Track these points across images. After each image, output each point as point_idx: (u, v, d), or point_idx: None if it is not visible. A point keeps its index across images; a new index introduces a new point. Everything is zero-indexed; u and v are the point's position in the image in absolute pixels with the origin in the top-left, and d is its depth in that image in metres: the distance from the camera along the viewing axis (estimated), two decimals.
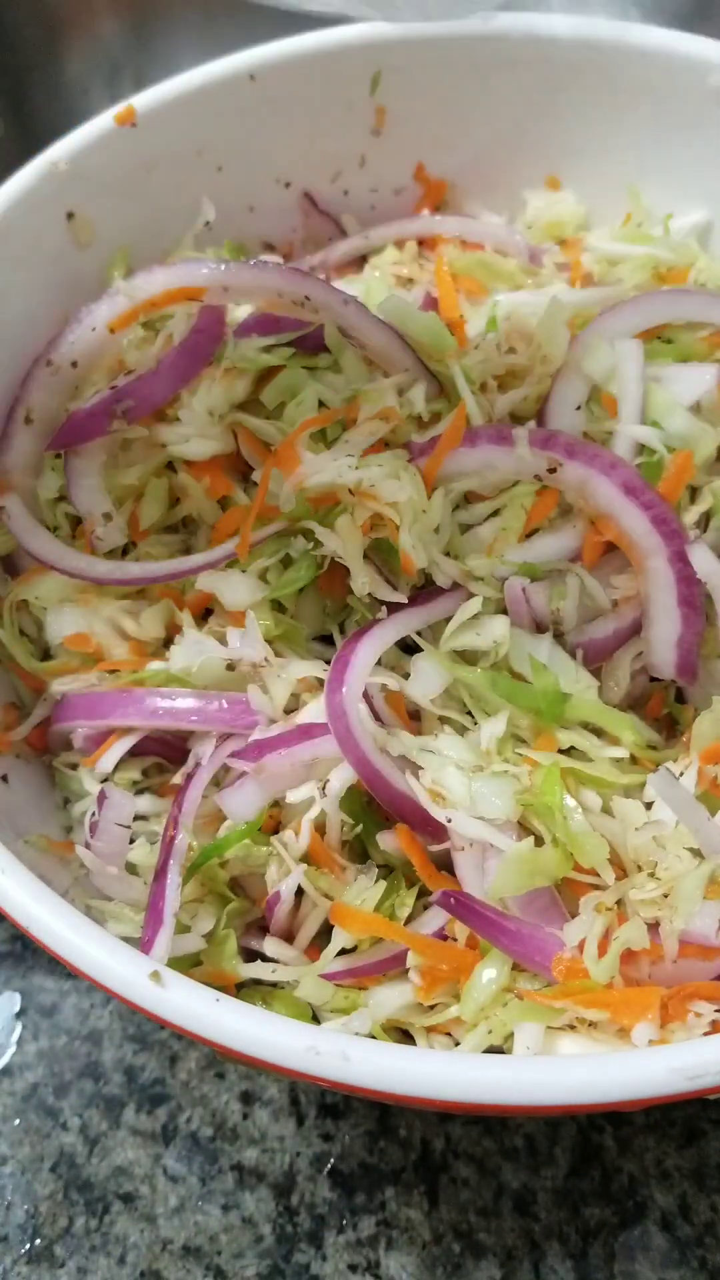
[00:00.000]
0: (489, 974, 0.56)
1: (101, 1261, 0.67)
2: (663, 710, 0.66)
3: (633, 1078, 0.45)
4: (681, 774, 0.60)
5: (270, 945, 0.61)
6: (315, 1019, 0.60)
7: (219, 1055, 0.73)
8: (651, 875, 0.57)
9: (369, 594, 0.63)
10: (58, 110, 1.10)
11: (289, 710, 0.63)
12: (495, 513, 0.68)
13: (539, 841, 0.58)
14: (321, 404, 0.71)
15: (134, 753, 0.66)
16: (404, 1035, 0.60)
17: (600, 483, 0.65)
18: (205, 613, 0.69)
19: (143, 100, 0.78)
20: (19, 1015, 0.76)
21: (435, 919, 0.59)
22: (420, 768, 0.59)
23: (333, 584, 0.65)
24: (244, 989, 0.61)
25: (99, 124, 0.77)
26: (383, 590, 0.63)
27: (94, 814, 0.63)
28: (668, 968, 0.56)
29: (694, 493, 0.69)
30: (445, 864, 0.60)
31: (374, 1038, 0.56)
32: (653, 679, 0.65)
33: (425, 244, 0.88)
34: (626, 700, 0.65)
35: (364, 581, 0.62)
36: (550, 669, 0.61)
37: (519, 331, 0.77)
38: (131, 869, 0.64)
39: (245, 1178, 0.70)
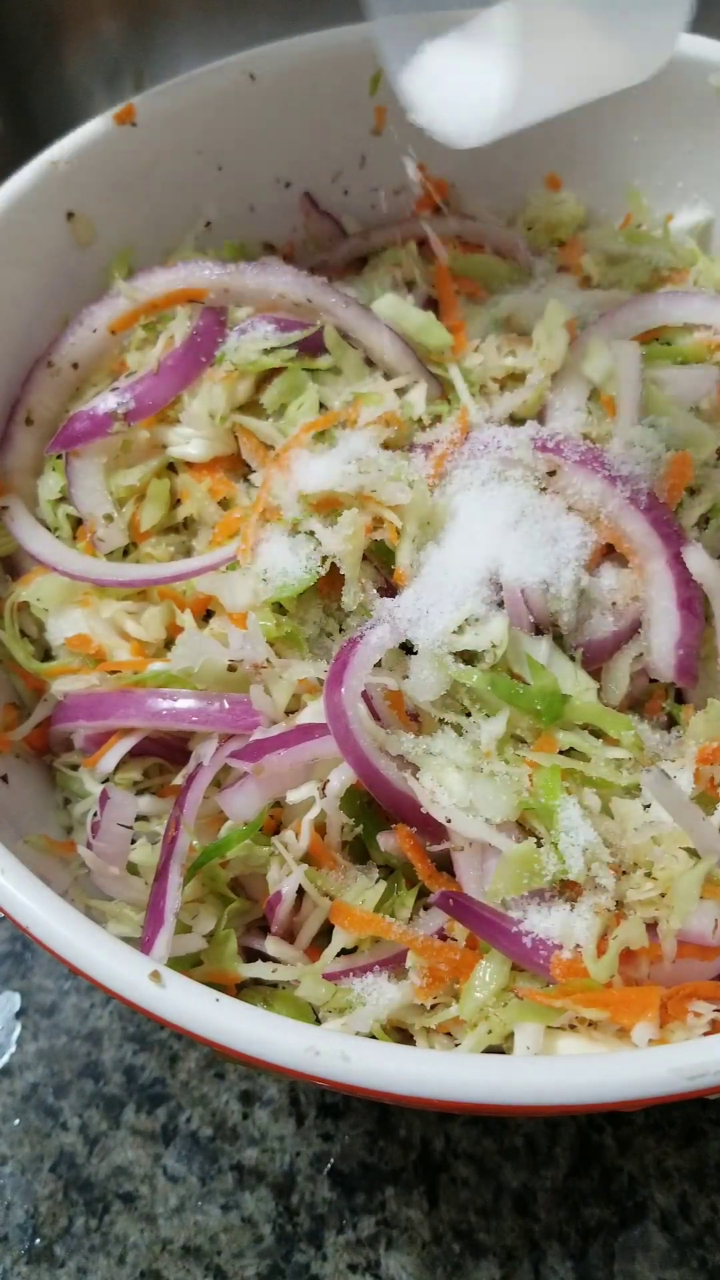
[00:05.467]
0: (488, 974, 0.56)
1: (101, 1261, 0.67)
2: (662, 711, 0.66)
3: (632, 1078, 0.45)
4: (678, 775, 0.60)
5: (271, 945, 0.61)
6: (316, 1019, 0.60)
7: (219, 1055, 0.73)
8: (649, 875, 0.57)
9: (365, 595, 0.64)
10: (58, 110, 1.10)
11: (290, 711, 0.63)
12: None
13: (539, 842, 0.58)
14: (322, 406, 0.71)
15: (134, 753, 0.66)
16: (404, 1035, 0.60)
17: (600, 485, 0.66)
18: (206, 614, 0.69)
19: (143, 100, 0.78)
20: (19, 1015, 0.76)
21: (435, 919, 0.59)
22: (420, 768, 0.60)
23: (333, 585, 0.65)
24: (244, 989, 0.61)
25: (99, 124, 0.77)
26: (379, 596, 0.64)
27: (96, 814, 0.63)
28: (666, 967, 0.56)
29: (693, 494, 0.69)
30: (445, 864, 0.60)
31: (374, 1038, 0.56)
32: (652, 680, 0.65)
33: (425, 245, 0.88)
34: (626, 701, 0.65)
35: (355, 593, 0.63)
36: (549, 670, 0.61)
37: (519, 333, 0.77)
38: (133, 869, 0.64)
39: (245, 1178, 0.70)
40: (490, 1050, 0.56)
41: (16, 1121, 0.72)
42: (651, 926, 0.56)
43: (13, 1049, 0.75)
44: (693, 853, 0.57)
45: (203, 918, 0.62)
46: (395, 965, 0.59)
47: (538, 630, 0.63)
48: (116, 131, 0.77)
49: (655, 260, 0.83)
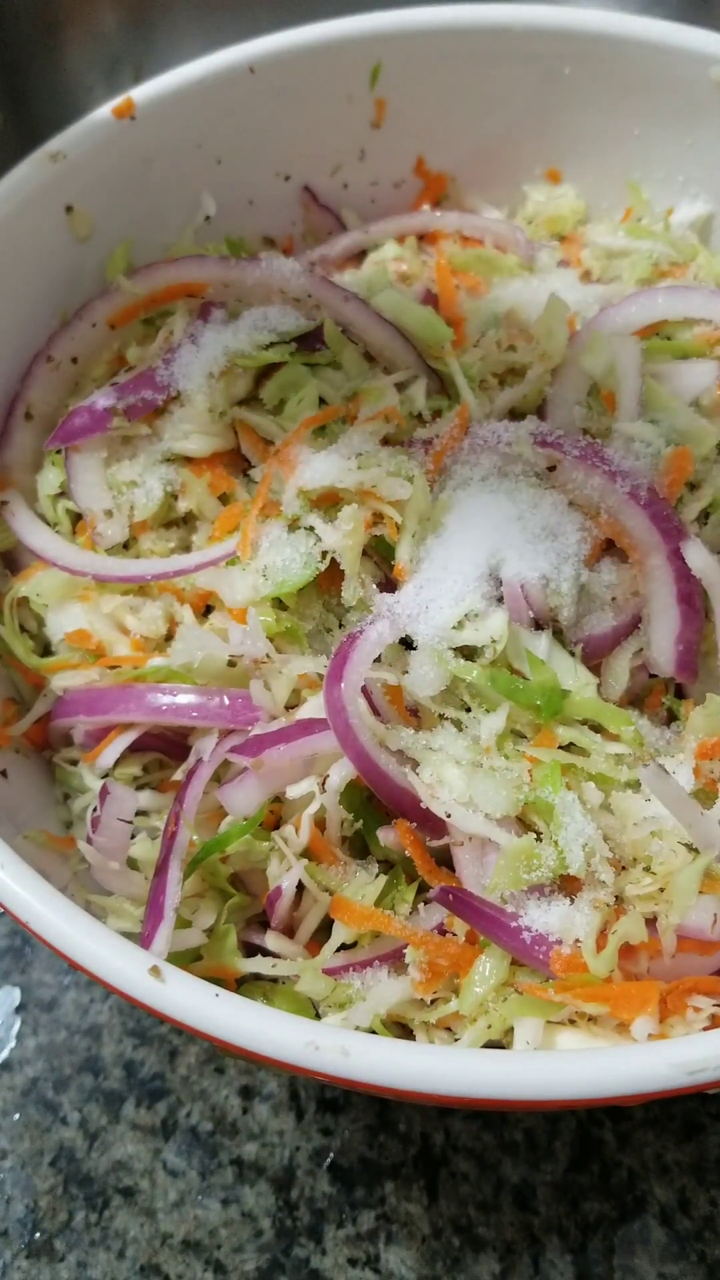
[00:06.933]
0: (488, 969, 0.56)
1: (101, 1256, 0.67)
2: (662, 706, 0.66)
3: (632, 1073, 0.45)
4: (678, 770, 0.60)
5: (271, 940, 0.61)
6: (316, 1014, 0.60)
7: (219, 1050, 0.73)
8: (648, 870, 0.57)
9: (365, 590, 0.64)
10: (57, 103, 1.09)
11: (290, 706, 0.63)
12: None
13: (538, 837, 0.58)
14: (322, 400, 0.71)
15: (134, 748, 0.66)
16: (404, 1030, 0.60)
17: (600, 480, 0.65)
18: (206, 609, 0.69)
19: (142, 93, 0.78)
20: (19, 1010, 0.76)
21: (435, 914, 0.59)
22: (419, 763, 0.60)
23: (333, 581, 0.65)
24: (244, 984, 0.62)
25: (98, 117, 0.77)
26: (379, 591, 0.64)
27: (96, 809, 0.63)
28: (666, 962, 0.56)
29: (693, 489, 0.69)
30: (445, 859, 0.60)
31: (374, 1033, 0.56)
32: (652, 675, 0.65)
33: (425, 239, 0.88)
34: (626, 696, 0.65)
35: (355, 588, 0.63)
36: (549, 665, 0.61)
37: (519, 328, 0.77)
38: (132, 864, 0.64)
39: (245, 1172, 0.70)
40: (490, 1045, 0.56)
41: (16, 1116, 0.72)
42: (651, 921, 0.56)
43: (12, 1044, 0.75)
44: (692, 848, 0.57)
45: (202, 913, 0.62)
46: (395, 960, 0.59)
47: (537, 625, 0.63)
48: (115, 125, 0.77)
49: (656, 255, 0.83)
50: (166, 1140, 0.71)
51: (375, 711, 0.61)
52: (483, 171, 0.91)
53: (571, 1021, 0.56)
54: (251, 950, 0.62)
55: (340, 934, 0.59)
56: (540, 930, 0.55)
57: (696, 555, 0.63)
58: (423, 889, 0.60)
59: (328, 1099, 0.72)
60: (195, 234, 0.84)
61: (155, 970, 0.49)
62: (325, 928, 0.61)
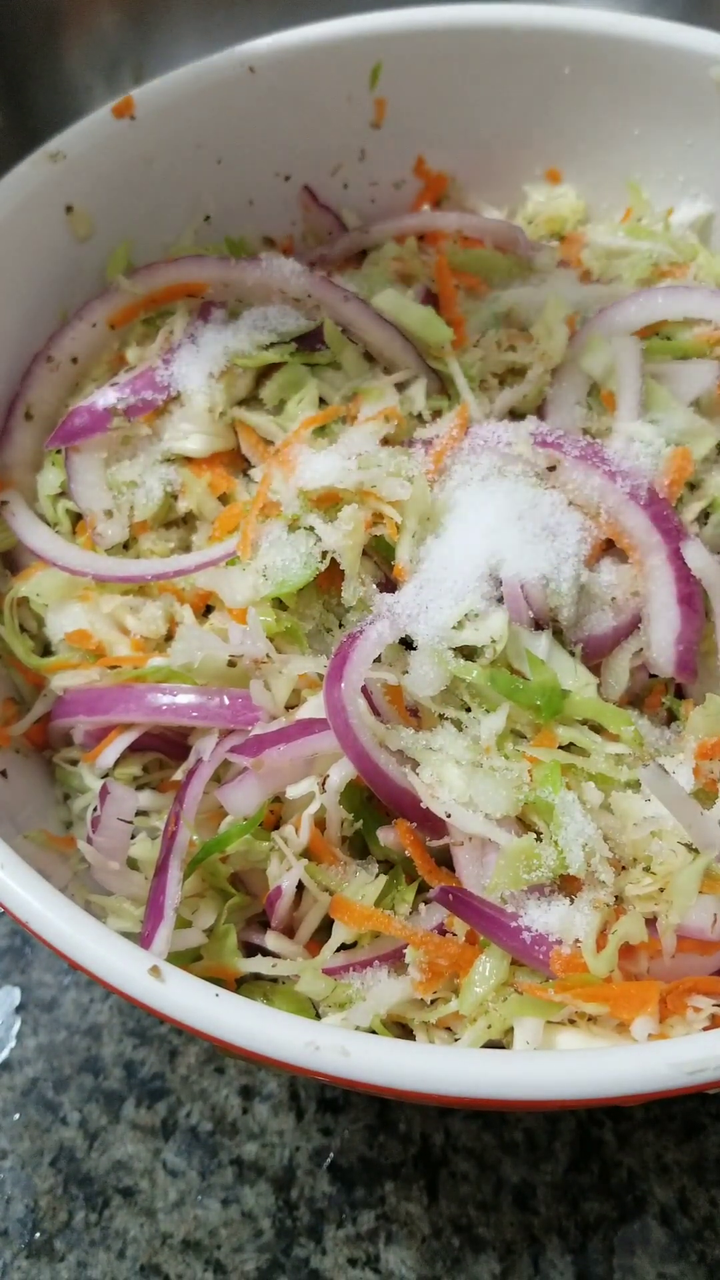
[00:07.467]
0: (488, 969, 0.56)
1: (101, 1255, 0.68)
2: (662, 706, 0.66)
3: (632, 1073, 0.45)
4: (678, 770, 0.60)
5: (271, 940, 0.61)
6: (316, 1014, 0.60)
7: (219, 1050, 0.73)
8: (648, 870, 0.57)
9: (365, 590, 0.64)
10: (57, 103, 1.09)
11: (290, 706, 0.63)
12: None
13: (538, 837, 0.58)
14: (322, 400, 0.71)
15: (134, 748, 0.66)
16: (404, 1030, 0.60)
17: (600, 480, 0.65)
18: (206, 609, 0.69)
19: (142, 93, 0.78)
20: (19, 1010, 0.76)
21: (435, 914, 0.59)
22: (419, 763, 0.60)
23: (333, 581, 0.65)
24: (244, 984, 0.62)
25: (98, 117, 0.77)
26: (379, 592, 0.64)
27: (96, 809, 0.63)
28: (666, 962, 0.56)
29: (693, 489, 0.69)
30: (445, 859, 0.60)
31: (374, 1033, 0.56)
32: (652, 675, 0.65)
33: (425, 239, 0.88)
34: (626, 696, 0.65)
35: (355, 588, 0.63)
36: (549, 665, 0.61)
37: (519, 328, 0.77)
38: (132, 864, 0.64)
39: (245, 1172, 0.70)
40: (490, 1045, 0.56)
41: (16, 1116, 0.72)
42: (651, 921, 0.56)
43: (13, 1044, 0.75)
44: (692, 848, 0.57)
45: (202, 913, 0.62)
46: (395, 960, 0.59)
47: (537, 625, 0.63)
48: (115, 125, 0.77)
49: (655, 255, 0.83)
50: (166, 1140, 0.71)
51: (375, 711, 0.61)
52: (483, 171, 0.91)
53: (571, 1021, 0.56)
54: (251, 950, 0.62)
55: (340, 934, 0.59)
56: (540, 930, 0.55)
57: (696, 555, 0.64)
58: (423, 889, 0.60)
59: (328, 1099, 0.72)
60: (195, 234, 0.84)
61: (155, 970, 0.49)
62: (325, 928, 0.61)
